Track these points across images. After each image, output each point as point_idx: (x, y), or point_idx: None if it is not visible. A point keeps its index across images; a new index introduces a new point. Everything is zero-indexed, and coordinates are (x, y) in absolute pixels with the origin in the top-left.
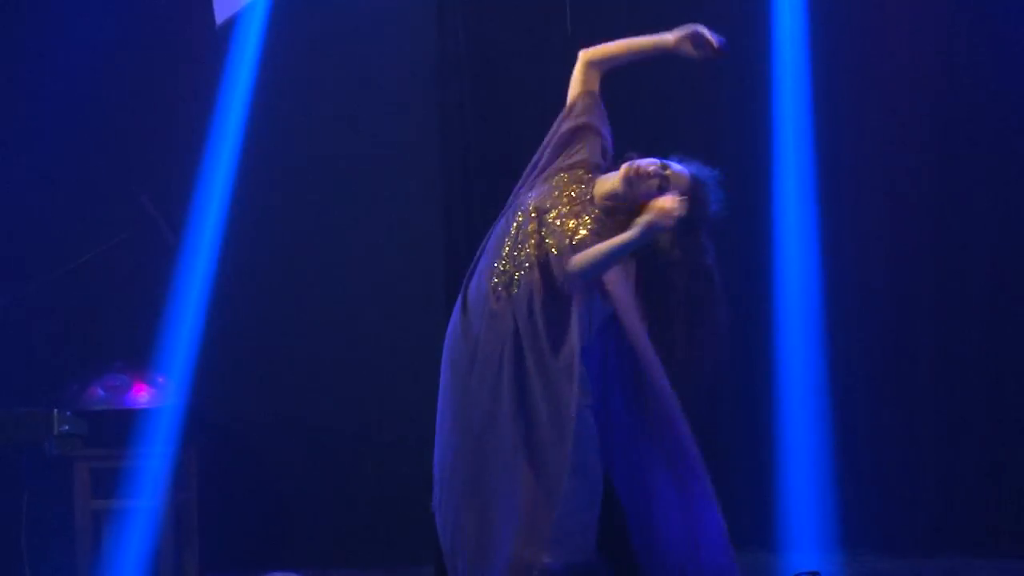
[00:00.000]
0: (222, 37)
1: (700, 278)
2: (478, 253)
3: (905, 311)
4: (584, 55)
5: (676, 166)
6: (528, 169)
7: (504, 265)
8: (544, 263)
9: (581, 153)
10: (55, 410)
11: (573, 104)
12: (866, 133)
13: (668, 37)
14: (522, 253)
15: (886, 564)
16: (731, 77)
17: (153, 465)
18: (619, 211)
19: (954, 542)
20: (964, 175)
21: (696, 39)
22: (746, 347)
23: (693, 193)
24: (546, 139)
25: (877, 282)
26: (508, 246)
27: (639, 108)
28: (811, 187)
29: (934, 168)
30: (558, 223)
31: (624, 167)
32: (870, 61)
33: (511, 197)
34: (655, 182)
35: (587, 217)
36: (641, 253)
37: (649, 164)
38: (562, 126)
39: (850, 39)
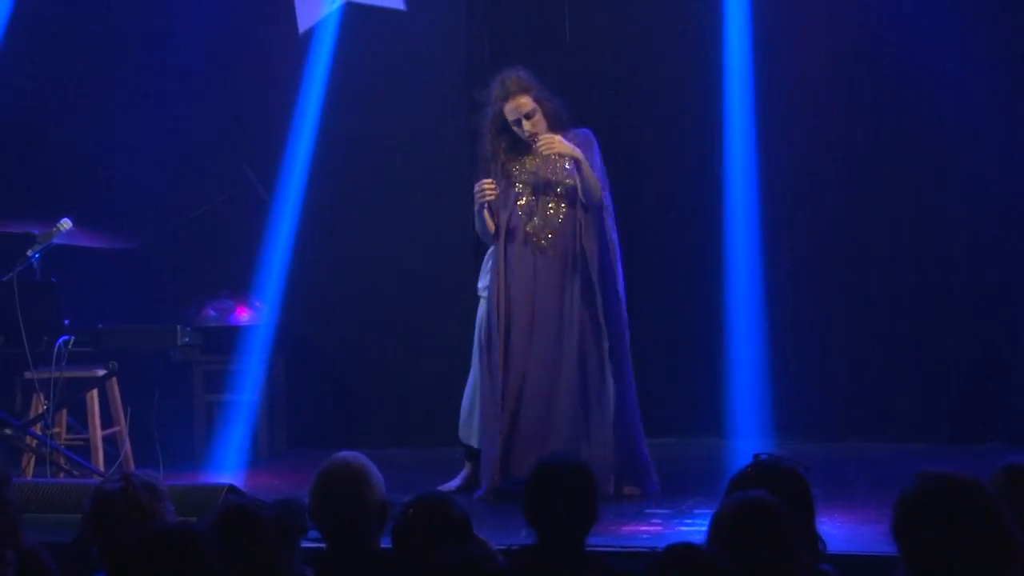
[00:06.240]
0: (304, 42)
1: None
2: None
3: (821, 254)
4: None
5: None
6: None
7: None
8: None
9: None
10: (178, 326)
11: None
12: (797, 117)
13: None
14: None
15: (808, 447)
16: (690, 78)
17: (252, 368)
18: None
19: (859, 429)
20: (867, 133)
21: None
22: (702, 282)
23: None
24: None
25: (800, 237)
26: None
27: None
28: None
29: (848, 134)
30: None
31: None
32: (801, 64)
33: None
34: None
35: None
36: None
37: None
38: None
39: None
